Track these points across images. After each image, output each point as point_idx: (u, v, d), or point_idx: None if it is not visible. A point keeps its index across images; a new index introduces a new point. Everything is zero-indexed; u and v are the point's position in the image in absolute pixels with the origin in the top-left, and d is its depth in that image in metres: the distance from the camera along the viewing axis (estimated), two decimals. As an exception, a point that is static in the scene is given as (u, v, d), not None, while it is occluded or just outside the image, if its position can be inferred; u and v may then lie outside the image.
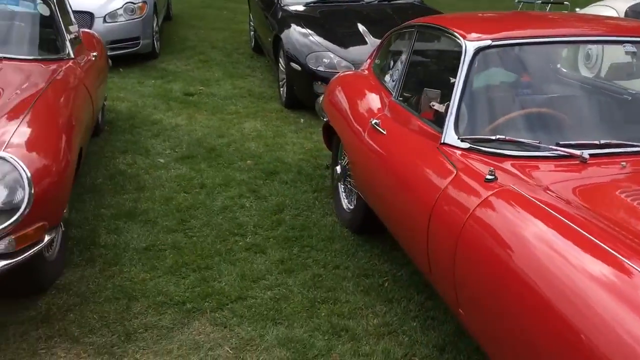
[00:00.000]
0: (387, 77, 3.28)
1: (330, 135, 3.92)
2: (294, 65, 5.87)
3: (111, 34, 7.03)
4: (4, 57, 3.54)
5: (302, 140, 5.21)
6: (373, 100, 3.24)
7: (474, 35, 2.59)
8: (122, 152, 4.71)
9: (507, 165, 2.21)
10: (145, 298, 2.84)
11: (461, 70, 2.50)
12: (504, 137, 2.31)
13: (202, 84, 6.91)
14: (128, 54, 7.30)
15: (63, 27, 3.99)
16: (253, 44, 8.46)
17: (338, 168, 3.68)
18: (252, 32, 8.57)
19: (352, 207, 3.59)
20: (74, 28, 4.08)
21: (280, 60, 6.30)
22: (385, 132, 2.90)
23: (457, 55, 2.59)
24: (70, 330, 2.59)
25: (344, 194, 3.73)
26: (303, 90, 5.85)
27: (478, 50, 2.52)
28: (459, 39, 2.62)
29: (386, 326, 2.73)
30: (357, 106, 3.40)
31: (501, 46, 2.60)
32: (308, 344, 2.59)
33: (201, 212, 3.77)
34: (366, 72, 3.78)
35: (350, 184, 3.58)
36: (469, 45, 2.54)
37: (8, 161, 2.37)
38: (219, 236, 3.48)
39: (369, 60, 4.00)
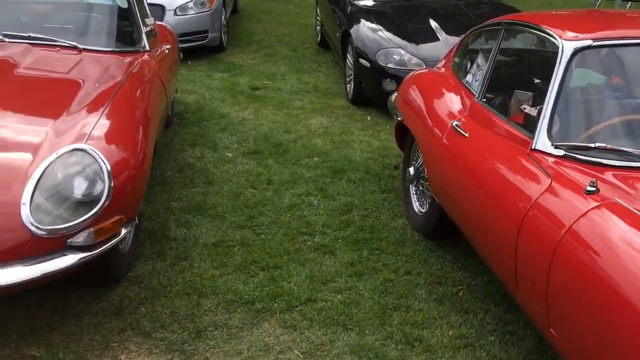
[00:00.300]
0: (469, 77, 3.14)
1: (402, 135, 3.80)
2: (362, 61, 5.76)
3: (181, 26, 7.11)
4: (84, 49, 3.59)
5: (369, 139, 5.11)
6: (453, 101, 3.11)
7: (571, 34, 2.42)
8: (191, 145, 4.74)
9: (609, 176, 2.05)
10: (215, 295, 2.82)
11: (556, 72, 2.34)
12: (604, 145, 2.14)
13: (268, 78, 6.90)
14: (196, 47, 7.38)
15: (140, 19, 4.03)
16: (319, 38, 8.39)
17: (411, 169, 3.56)
18: (318, 27, 8.50)
19: (424, 211, 3.47)
20: (149, 20, 4.11)
21: (348, 56, 6.21)
22: (467, 135, 2.77)
23: (551, 55, 2.42)
24: (142, 324, 2.59)
25: (415, 196, 3.61)
26: (371, 87, 5.74)
27: (576, 51, 2.35)
28: (554, 38, 2.45)
29: (462, 339, 2.61)
30: (435, 106, 3.27)
31: (601, 47, 2.41)
32: (380, 353, 2.50)
33: (269, 209, 3.73)
34: (444, 70, 3.64)
35: (423, 187, 3.46)
36: (567, 45, 2.37)
37: (89, 153, 2.38)
38: (287, 235, 3.43)
39: (444, 59, 3.85)
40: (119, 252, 2.74)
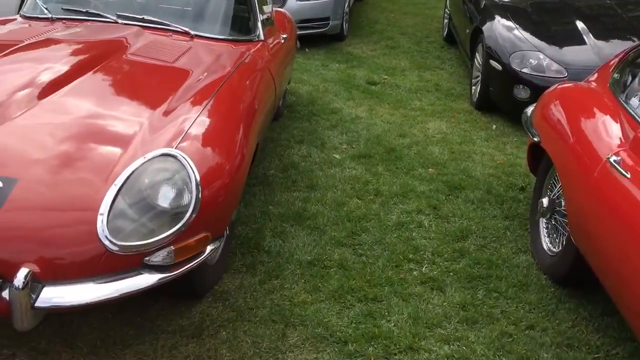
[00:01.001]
0: (635, 101, 2.55)
1: (537, 158, 3.26)
2: (493, 63, 5.18)
3: (302, 12, 6.86)
4: (196, 35, 3.38)
5: (492, 151, 4.57)
6: (610, 128, 2.55)
7: None
8: (298, 142, 4.45)
9: None
10: (304, 327, 2.49)
11: None
12: None
13: (387, 73, 6.48)
14: (316, 35, 7.10)
15: (257, 6, 3.77)
16: (445, 32, 7.83)
17: (544, 200, 3.02)
18: (446, 20, 7.93)
19: (556, 251, 2.94)
20: (267, 8, 3.84)
21: (477, 55, 5.64)
22: (629, 175, 2.22)
23: None
24: (220, 352, 2.33)
25: (546, 231, 3.08)
26: (501, 92, 5.16)
27: None
28: None
29: None
30: (585, 131, 2.71)
31: None
32: None
33: (374, 226, 3.35)
34: (597, 87, 3.05)
35: (558, 222, 2.92)
36: None
37: (179, 160, 2.11)
38: (391, 260, 3.04)
39: (598, 73, 3.25)
40: (206, 264, 2.49)
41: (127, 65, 2.81)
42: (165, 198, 2.05)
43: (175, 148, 2.15)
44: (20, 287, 1.72)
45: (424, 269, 2.99)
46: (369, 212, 3.50)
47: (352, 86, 5.96)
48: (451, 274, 2.96)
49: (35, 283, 1.78)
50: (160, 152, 2.12)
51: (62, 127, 2.19)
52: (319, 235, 3.20)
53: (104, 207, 1.92)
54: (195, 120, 2.36)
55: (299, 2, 6.96)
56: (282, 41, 4.18)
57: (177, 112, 2.43)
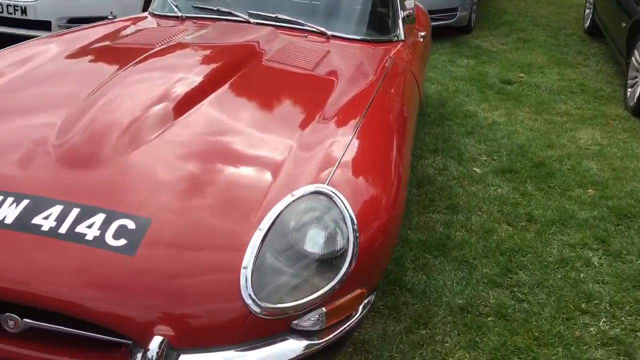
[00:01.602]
0: None
1: None
2: (661, 63, 4.45)
3: (428, 3, 6.33)
4: (332, 36, 3.02)
5: (663, 169, 3.89)
6: None
7: None
8: (432, 152, 4.00)
9: None
10: (464, 396, 2.08)
11: None
12: None
13: (522, 70, 5.85)
14: (441, 26, 6.57)
15: (398, 1, 3.35)
16: (587, 24, 7.01)
17: None
18: (587, 10, 7.10)
19: None
20: (410, 3, 3.40)
21: (636, 53, 4.89)
22: None
23: None
24: None
25: None
26: (670, 98, 4.42)
27: None
28: None
29: None
30: None
31: None
32: None
33: (531, 261, 2.86)
34: None
35: None
36: None
37: (330, 197, 1.75)
38: (559, 309, 2.54)
39: None
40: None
41: (265, 75, 2.48)
42: (315, 244, 1.70)
43: (328, 183, 1.79)
44: (155, 358, 1.43)
45: (601, 323, 2.47)
46: (523, 243, 3.00)
47: (484, 85, 5.41)
48: (639, 334, 2.41)
49: (169, 350, 1.49)
50: (310, 189, 1.76)
51: (202, 154, 1.88)
52: (468, 271, 2.76)
53: (248, 258, 1.59)
54: (348, 145, 1.99)
55: (425, -8, 6.44)
56: (421, 40, 3.74)
57: (325, 132, 2.07)
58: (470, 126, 4.48)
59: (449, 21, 6.67)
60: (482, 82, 5.50)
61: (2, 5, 5.19)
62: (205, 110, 2.10)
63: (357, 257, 1.69)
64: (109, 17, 3.28)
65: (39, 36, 5.31)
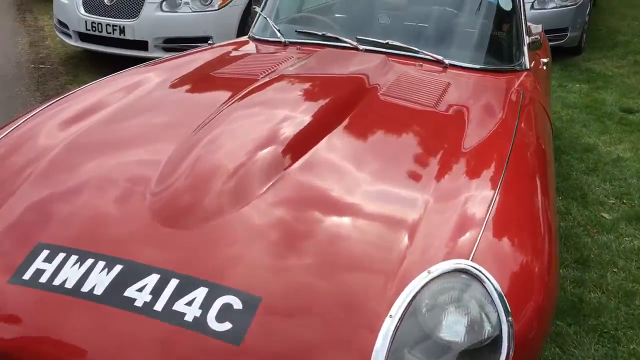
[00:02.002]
0: None
1: None
2: None
3: (537, 23, 5.87)
4: (450, 64, 2.69)
5: None
6: None
7: None
8: (551, 192, 3.56)
9: None
10: None
11: None
12: None
13: (645, 98, 5.26)
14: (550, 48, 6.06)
15: (524, 26, 2.97)
16: None
17: None
18: None
19: None
20: (536, 28, 3.01)
21: None
22: None
23: None
24: None
25: None
26: None
27: None
28: None
29: None
30: None
31: None
32: None
33: (687, 336, 2.39)
34: None
35: None
36: None
37: (473, 276, 1.41)
38: None
39: None
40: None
41: (383, 113, 2.18)
42: (455, 332, 1.37)
43: (472, 258, 1.45)
44: None
45: None
46: (674, 311, 2.53)
47: (602, 114, 4.88)
48: None
49: None
50: (451, 266, 1.43)
51: (322, 212, 1.60)
52: (611, 346, 2.32)
53: (378, 354, 1.28)
54: (492, 203, 1.65)
55: (533, 11, 5.98)
56: (544, 68, 3.33)
57: (463, 184, 1.74)
58: (591, 162, 4.00)
59: (559, 42, 6.16)
60: (599, 110, 4.97)
61: (101, 24, 5.22)
62: (320, 156, 1.82)
63: (513, 348, 1.35)
64: (209, 42, 3.10)
65: (136, 56, 5.36)
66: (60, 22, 5.64)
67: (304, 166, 1.75)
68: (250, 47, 3.01)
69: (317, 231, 1.52)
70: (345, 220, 1.59)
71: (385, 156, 1.90)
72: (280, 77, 2.35)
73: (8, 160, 1.83)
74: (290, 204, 1.61)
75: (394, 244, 1.50)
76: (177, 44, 5.23)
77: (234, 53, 2.88)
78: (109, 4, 5.23)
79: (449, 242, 1.51)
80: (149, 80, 2.38)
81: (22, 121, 2.02)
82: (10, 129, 1.97)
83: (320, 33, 2.90)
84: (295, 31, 2.99)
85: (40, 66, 5.74)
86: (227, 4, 5.29)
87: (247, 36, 3.24)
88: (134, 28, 5.14)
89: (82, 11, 5.30)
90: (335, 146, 1.88)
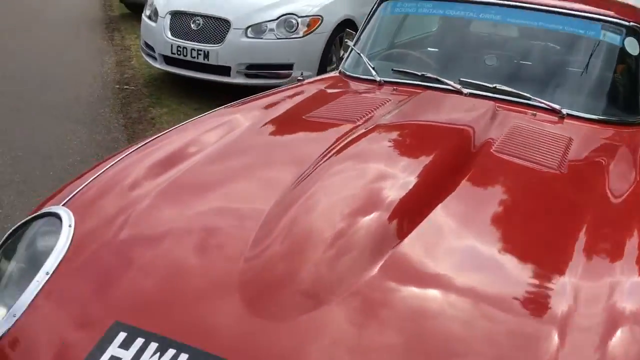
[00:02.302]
0: None
1: None
2: None
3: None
4: (568, 114, 2.39)
5: None
6: None
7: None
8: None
9: None
10: None
11: None
12: None
13: None
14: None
15: (651, 72, 2.64)
16: None
17: None
18: None
19: None
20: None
21: None
22: None
23: None
24: None
25: None
26: None
27: None
28: None
29: None
30: None
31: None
32: None
33: None
34: None
35: None
36: None
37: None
38: None
39: None
40: None
41: (503, 175, 1.91)
42: None
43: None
44: None
45: None
46: None
47: None
48: None
49: None
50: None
51: (449, 305, 1.35)
52: None
53: None
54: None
55: None
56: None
57: (613, 269, 1.47)
58: None
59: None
60: None
61: (186, 49, 5.21)
62: (436, 228, 1.58)
63: None
64: (299, 77, 2.93)
65: (218, 81, 5.31)
66: (147, 45, 5.69)
67: (420, 240, 1.51)
68: (343, 85, 2.82)
69: (446, 330, 1.27)
70: (481, 313, 1.34)
71: (516, 229, 1.64)
72: (379, 127, 2.12)
73: (97, 205, 1.70)
74: (410, 294, 1.37)
75: (543, 345, 1.24)
76: (259, 70, 5.15)
77: (326, 92, 2.70)
78: (195, 28, 5.21)
79: (604, 343, 1.23)
80: (240, 122, 2.21)
81: (112, 163, 1.90)
82: (101, 170, 1.85)
83: (419, 73, 2.67)
84: (392, 70, 2.77)
85: (125, 87, 5.80)
86: (312, 32, 5.17)
87: (337, 71, 3.06)
88: (218, 53, 5.10)
89: (169, 35, 5.31)
90: (453, 215, 1.64)
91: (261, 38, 5.10)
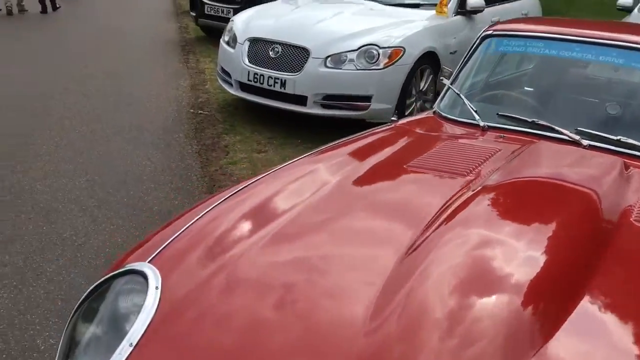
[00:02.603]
0: None
1: None
2: None
3: None
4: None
5: None
6: None
7: None
8: None
9: None
10: None
11: None
12: None
13: None
14: None
15: None
16: None
17: None
18: None
19: None
20: None
21: None
22: None
23: None
24: None
25: None
26: None
27: None
28: None
29: None
30: None
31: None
32: None
33: None
34: None
35: None
36: None
37: None
38: None
39: None
40: None
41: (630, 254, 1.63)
42: None
43: None
44: None
45: None
46: None
47: None
48: None
49: None
50: None
51: None
52: None
53: None
54: None
55: None
56: None
57: None
58: None
59: None
60: None
61: (263, 76, 5.11)
62: (591, 320, 1.31)
63: None
64: (392, 118, 2.72)
65: (292, 110, 5.18)
66: (223, 70, 5.63)
67: (579, 337, 1.25)
68: (441, 129, 2.59)
69: None
70: None
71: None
72: (491, 187, 1.86)
73: (186, 262, 1.53)
74: None
75: None
76: (336, 101, 4.98)
77: (425, 136, 2.47)
78: (273, 56, 5.11)
79: None
80: (336, 170, 2.01)
81: (201, 214, 1.73)
82: (189, 222, 1.69)
83: (528, 119, 2.41)
84: (497, 114, 2.52)
85: (199, 112, 5.76)
86: (393, 63, 4.96)
87: (431, 111, 2.84)
88: (295, 82, 4.97)
89: (247, 62, 5.23)
90: (607, 306, 1.37)
91: (340, 68, 4.93)
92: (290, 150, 4.73)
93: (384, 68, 4.93)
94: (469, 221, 1.65)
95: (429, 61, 5.31)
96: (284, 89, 5.03)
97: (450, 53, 5.56)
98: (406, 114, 5.11)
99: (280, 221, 1.70)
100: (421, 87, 5.33)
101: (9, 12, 11.07)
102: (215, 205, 1.77)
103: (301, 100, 5.01)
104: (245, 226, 1.67)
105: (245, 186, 1.91)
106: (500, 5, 6.63)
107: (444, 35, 5.52)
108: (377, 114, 5.01)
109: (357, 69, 4.92)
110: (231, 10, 8.39)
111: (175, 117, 5.61)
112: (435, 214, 1.69)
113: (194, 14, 9.20)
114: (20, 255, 3.11)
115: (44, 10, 11.45)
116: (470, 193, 1.82)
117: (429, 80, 5.38)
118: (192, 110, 5.80)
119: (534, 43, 2.66)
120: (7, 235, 3.31)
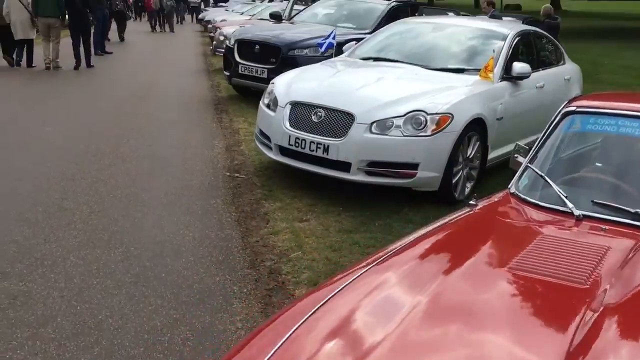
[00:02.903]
0: None
1: None
2: None
3: None
4: None
5: None
6: None
7: None
8: None
9: None
10: None
11: None
12: None
13: None
14: None
15: None
16: None
17: None
18: None
19: None
20: None
21: None
22: None
23: None
24: None
25: None
26: None
27: None
28: None
29: None
30: None
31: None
32: None
33: None
34: None
35: None
36: None
37: None
38: None
39: None
40: None
41: None
42: None
43: None
44: None
45: None
46: None
47: None
48: None
49: None
50: None
51: None
52: None
53: None
54: None
55: None
56: None
57: None
58: None
59: None
60: None
61: (305, 141, 4.92)
62: None
63: None
64: (471, 201, 2.46)
65: (334, 177, 4.96)
66: (262, 133, 5.46)
67: None
68: (527, 216, 2.31)
69: None
70: None
71: None
72: (617, 305, 1.58)
73: None
74: None
75: None
76: (381, 168, 4.75)
77: (512, 227, 2.21)
78: (316, 120, 4.93)
79: None
80: (424, 276, 1.74)
81: (283, 339, 1.47)
82: (272, 350, 1.43)
83: (632, 210, 2.14)
84: (592, 202, 2.25)
85: (235, 175, 5.57)
86: (440, 130, 4.74)
87: (506, 192, 2.58)
88: (338, 148, 4.76)
89: (288, 126, 5.06)
90: None
91: (386, 134, 4.72)
92: (332, 220, 4.48)
93: (431, 135, 4.71)
94: (608, 351, 1.37)
95: (476, 127, 5.09)
96: (327, 154, 4.82)
97: (497, 119, 5.35)
98: (453, 182, 4.87)
99: (372, 340, 1.43)
100: (468, 154, 5.09)
101: (47, 68, 11.23)
102: (295, 331, 1.51)
103: (344, 166, 4.79)
104: (332, 350, 1.41)
105: (325, 302, 1.64)
106: (544, 71, 6.45)
107: (491, 101, 5.32)
108: (424, 183, 4.77)
109: (404, 136, 4.71)
110: (265, 70, 8.33)
111: (211, 180, 5.42)
112: (570, 342, 1.40)
113: (227, 74, 9.16)
114: (53, 343, 2.84)
115: (77, 67, 11.59)
116: (594, 315, 1.53)
117: (475, 147, 5.15)
118: (228, 174, 5.62)
119: (627, 122, 2.41)
120: (39, 316, 3.06)
